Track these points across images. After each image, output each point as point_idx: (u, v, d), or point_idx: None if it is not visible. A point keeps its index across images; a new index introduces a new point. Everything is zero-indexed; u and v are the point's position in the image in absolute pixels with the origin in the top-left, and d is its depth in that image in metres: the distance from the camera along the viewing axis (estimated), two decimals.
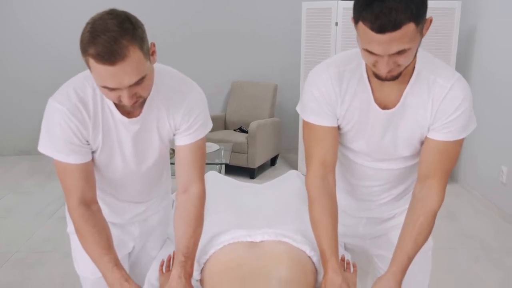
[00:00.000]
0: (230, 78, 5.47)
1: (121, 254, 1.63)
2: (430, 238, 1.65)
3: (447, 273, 2.92)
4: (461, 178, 4.54)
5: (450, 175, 1.39)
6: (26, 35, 5.30)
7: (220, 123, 5.28)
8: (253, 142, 4.59)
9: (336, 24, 4.14)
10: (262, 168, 5.02)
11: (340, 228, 1.67)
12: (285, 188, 2.02)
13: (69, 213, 1.38)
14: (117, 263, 1.34)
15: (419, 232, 1.35)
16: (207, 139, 1.48)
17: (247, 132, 4.84)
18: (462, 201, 4.18)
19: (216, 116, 5.25)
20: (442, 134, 1.30)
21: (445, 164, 1.34)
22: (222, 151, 4.00)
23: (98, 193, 1.51)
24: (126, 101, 1.18)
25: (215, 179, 2.10)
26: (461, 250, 3.26)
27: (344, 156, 1.51)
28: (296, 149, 5.00)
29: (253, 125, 4.59)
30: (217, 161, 3.77)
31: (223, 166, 3.84)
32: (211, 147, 4.02)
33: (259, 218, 1.63)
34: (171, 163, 1.64)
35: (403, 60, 1.15)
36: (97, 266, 1.35)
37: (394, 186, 1.53)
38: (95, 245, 1.34)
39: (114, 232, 1.58)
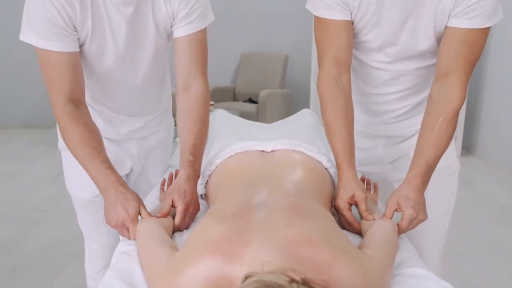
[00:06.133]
0: (240, 50, 5.32)
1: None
2: (456, 159, 1.50)
3: (467, 235, 2.77)
4: (478, 149, 4.36)
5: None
6: None
7: (229, 95, 5.14)
8: (263, 110, 4.45)
9: None
10: None
11: (358, 154, 1.51)
12: (297, 123, 1.89)
13: (54, 113, 1.20)
14: (110, 166, 1.16)
15: (439, 135, 1.18)
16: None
17: (256, 103, 4.71)
18: (480, 171, 4.01)
19: (225, 87, 5.12)
20: (465, 20, 1.16)
21: (468, 57, 1.18)
22: None
23: (90, 102, 1.37)
24: None
25: (224, 115, 1.98)
26: (480, 214, 3.11)
27: (357, 60, 1.37)
28: None
29: (263, 94, 4.46)
30: None
31: None
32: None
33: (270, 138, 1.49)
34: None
35: None
36: (87, 171, 1.17)
37: (411, 94, 1.38)
38: (84, 146, 1.16)
39: (110, 149, 1.43)
